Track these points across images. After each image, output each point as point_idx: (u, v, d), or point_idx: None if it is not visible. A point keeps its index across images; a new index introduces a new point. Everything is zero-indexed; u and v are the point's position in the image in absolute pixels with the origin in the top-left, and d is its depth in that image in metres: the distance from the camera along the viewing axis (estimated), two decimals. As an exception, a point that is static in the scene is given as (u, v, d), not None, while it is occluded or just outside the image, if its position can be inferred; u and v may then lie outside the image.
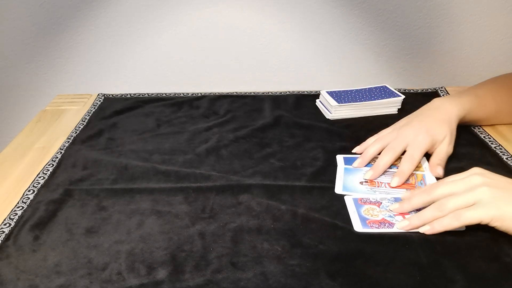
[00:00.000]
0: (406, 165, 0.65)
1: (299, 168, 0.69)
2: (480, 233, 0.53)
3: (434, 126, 0.68)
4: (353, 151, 0.73)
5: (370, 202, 0.60)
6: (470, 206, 0.52)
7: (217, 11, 0.97)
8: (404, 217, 0.57)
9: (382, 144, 0.69)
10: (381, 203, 0.60)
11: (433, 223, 0.54)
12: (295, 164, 0.70)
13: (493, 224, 0.51)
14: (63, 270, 0.51)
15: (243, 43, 1.00)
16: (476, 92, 0.75)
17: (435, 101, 0.73)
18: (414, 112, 0.73)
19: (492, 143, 0.74)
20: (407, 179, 0.65)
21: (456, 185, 0.55)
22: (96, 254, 0.53)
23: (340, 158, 0.71)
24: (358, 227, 0.56)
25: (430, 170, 0.67)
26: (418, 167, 0.67)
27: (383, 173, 0.66)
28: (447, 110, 0.70)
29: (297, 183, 0.65)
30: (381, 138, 0.70)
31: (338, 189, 0.63)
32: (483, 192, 0.52)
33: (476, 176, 0.55)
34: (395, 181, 0.64)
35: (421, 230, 0.54)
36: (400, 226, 0.56)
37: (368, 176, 0.66)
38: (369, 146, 0.70)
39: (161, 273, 0.50)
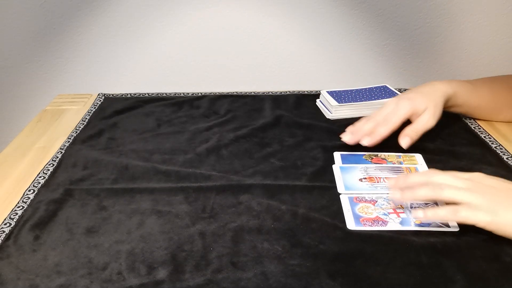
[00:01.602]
0: (382, 127, 0.68)
1: (299, 168, 0.69)
2: (480, 233, 0.53)
3: (416, 96, 0.70)
4: (346, 129, 0.74)
5: (365, 201, 0.60)
6: (465, 204, 0.52)
7: (217, 11, 0.97)
8: (398, 216, 0.57)
9: (371, 119, 0.72)
10: (376, 201, 0.60)
11: (426, 211, 0.53)
12: (296, 163, 0.70)
13: (488, 228, 0.51)
14: (63, 270, 0.51)
15: (243, 43, 1.00)
16: (471, 81, 0.77)
17: (426, 83, 0.75)
18: None
19: (492, 143, 0.74)
20: (403, 172, 0.66)
21: (458, 181, 0.54)
22: (97, 254, 0.53)
23: (337, 155, 0.72)
24: (351, 224, 0.56)
25: (398, 138, 0.69)
26: (412, 160, 0.69)
27: (380, 170, 0.67)
28: (433, 86, 0.72)
29: (297, 183, 0.65)
30: (373, 115, 0.73)
31: (340, 189, 0.63)
32: (482, 198, 0.52)
33: (477, 181, 0.54)
34: (367, 140, 0.68)
35: (413, 214, 0.55)
36: (391, 196, 0.57)
37: (345, 138, 0.70)
38: (360, 123, 0.73)
39: (162, 273, 0.50)
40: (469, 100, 0.76)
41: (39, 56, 1.01)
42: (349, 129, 0.73)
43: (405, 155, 0.70)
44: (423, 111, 0.69)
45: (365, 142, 0.67)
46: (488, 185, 0.54)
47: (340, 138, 0.73)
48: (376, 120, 0.70)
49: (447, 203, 0.54)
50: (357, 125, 0.73)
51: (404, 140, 0.68)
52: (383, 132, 0.68)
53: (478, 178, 0.55)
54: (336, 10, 0.97)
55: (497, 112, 0.79)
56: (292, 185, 0.64)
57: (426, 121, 0.69)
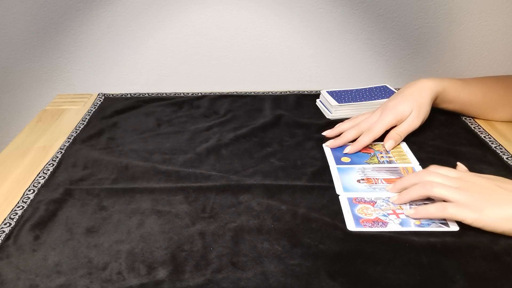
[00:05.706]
0: (364, 137, 0.72)
1: (299, 168, 0.69)
2: (480, 233, 0.54)
3: (400, 102, 0.73)
4: (328, 134, 0.77)
5: (365, 202, 0.60)
6: (453, 202, 0.54)
7: (217, 11, 0.97)
8: (398, 217, 0.57)
9: (356, 126, 0.75)
10: (376, 202, 0.60)
11: (418, 208, 0.57)
12: (296, 163, 0.70)
13: (475, 225, 0.53)
14: (63, 270, 0.51)
15: (243, 43, 1.00)
16: (463, 79, 0.78)
17: (414, 81, 0.76)
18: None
19: (492, 143, 0.74)
20: (400, 174, 0.66)
21: (448, 180, 0.57)
22: (96, 253, 0.53)
23: (327, 149, 0.74)
24: (351, 226, 0.56)
25: (384, 140, 0.72)
26: (397, 149, 0.72)
27: (378, 171, 0.67)
28: (420, 84, 0.74)
29: (297, 183, 0.65)
30: (359, 122, 0.75)
31: (339, 190, 0.63)
32: (469, 196, 0.54)
33: (466, 180, 0.57)
34: (348, 148, 0.72)
35: (405, 212, 0.57)
36: (391, 199, 0.60)
37: (328, 145, 0.74)
38: (346, 132, 0.75)
39: (161, 273, 0.50)
40: (460, 96, 0.77)
41: (39, 56, 1.01)
42: (331, 133, 0.77)
43: None
44: (408, 115, 0.72)
45: (347, 150, 0.72)
46: (476, 183, 0.56)
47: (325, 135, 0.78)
48: (361, 128, 0.73)
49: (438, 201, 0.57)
50: (342, 130, 0.76)
51: (388, 143, 0.72)
52: (365, 141, 0.72)
53: (467, 177, 0.57)
54: (336, 10, 0.97)
55: (492, 110, 0.80)
56: (292, 185, 0.65)
57: (410, 123, 0.72)
